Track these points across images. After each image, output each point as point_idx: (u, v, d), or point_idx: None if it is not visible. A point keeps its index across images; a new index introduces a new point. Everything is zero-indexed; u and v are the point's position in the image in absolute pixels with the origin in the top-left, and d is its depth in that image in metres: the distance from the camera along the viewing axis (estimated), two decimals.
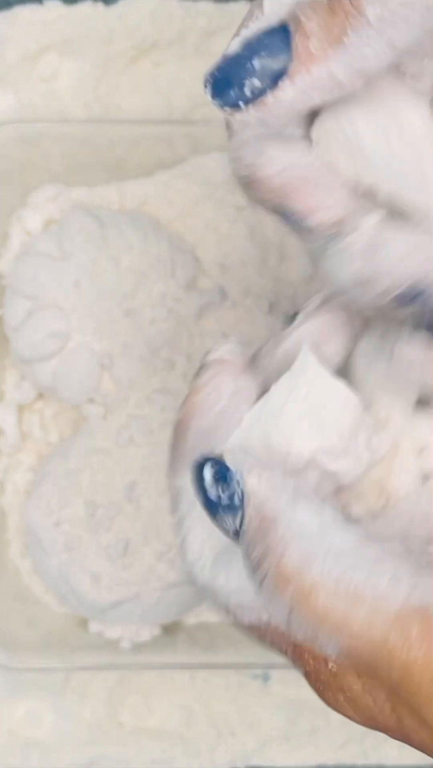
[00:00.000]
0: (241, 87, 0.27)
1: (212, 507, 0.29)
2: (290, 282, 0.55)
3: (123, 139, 0.53)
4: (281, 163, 0.28)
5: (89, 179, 0.55)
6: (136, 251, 0.52)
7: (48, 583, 0.53)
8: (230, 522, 0.28)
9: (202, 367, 0.32)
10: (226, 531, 0.29)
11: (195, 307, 0.52)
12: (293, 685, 0.58)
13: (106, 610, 0.51)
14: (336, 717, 0.58)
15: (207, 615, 0.56)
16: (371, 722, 0.28)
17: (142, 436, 0.51)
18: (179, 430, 0.32)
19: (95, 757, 0.58)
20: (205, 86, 0.28)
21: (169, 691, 0.58)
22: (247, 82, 0.27)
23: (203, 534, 0.31)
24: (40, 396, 0.56)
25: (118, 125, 0.54)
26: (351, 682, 0.28)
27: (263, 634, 0.30)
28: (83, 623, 0.55)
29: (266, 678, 0.58)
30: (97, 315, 0.51)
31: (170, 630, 0.55)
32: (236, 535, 0.28)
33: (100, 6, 0.57)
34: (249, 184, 0.29)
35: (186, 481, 0.31)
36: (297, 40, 0.26)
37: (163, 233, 0.53)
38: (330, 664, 0.28)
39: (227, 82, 0.27)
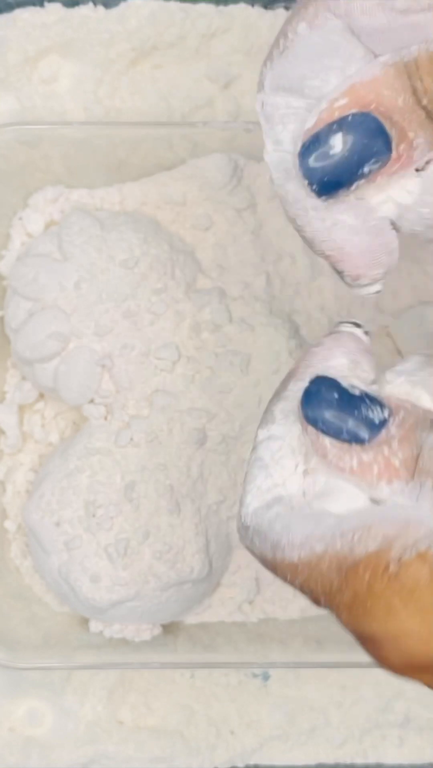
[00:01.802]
0: (349, 187, 0.30)
1: (355, 399, 0.31)
2: (289, 282, 0.55)
3: (123, 141, 0.53)
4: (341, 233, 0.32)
5: (90, 181, 0.55)
6: (137, 252, 0.52)
7: (48, 582, 0.54)
8: (376, 412, 0.30)
9: (331, 333, 0.34)
10: (363, 421, 0.30)
11: (195, 307, 0.53)
12: (293, 685, 0.58)
13: (106, 610, 0.51)
14: (335, 716, 0.58)
15: (207, 615, 0.56)
16: (426, 621, 0.29)
17: (142, 437, 0.51)
18: (285, 379, 0.34)
19: (95, 756, 0.58)
20: (311, 181, 0.31)
21: (169, 691, 0.58)
22: (355, 184, 0.30)
23: (265, 480, 0.32)
24: (41, 396, 0.56)
25: (118, 127, 0.54)
26: (418, 570, 0.29)
27: (311, 568, 0.31)
28: (83, 623, 0.55)
29: (265, 677, 0.58)
30: (98, 316, 0.51)
31: (170, 629, 0.55)
32: (381, 425, 0.30)
33: (101, 8, 0.57)
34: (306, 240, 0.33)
35: (275, 432, 0.33)
36: (402, 150, 0.30)
37: (163, 234, 0.54)
38: (391, 567, 0.29)
39: (337, 184, 0.30)
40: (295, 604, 0.56)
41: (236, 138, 0.53)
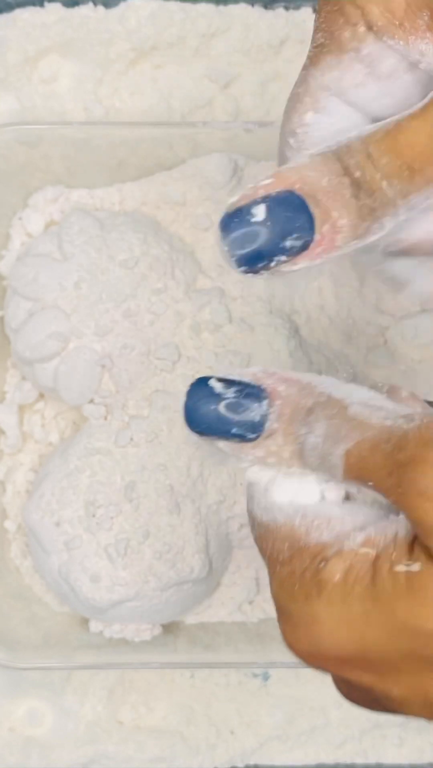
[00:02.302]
0: (269, 262, 0.31)
1: (232, 404, 0.32)
2: (289, 282, 0.55)
3: (123, 141, 0.53)
4: None
5: (89, 181, 0.55)
6: (136, 252, 0.52)
7: (48, 582, 0.54)
8: (254, 408, 0.32)
9: None
10: (245, 425, 0.32)
11: (195, 307, 0.53)
12: (293, 684, 0.58)
13: (106, 610, 0.51)
14: (335, 716, 0.58)
15: (207, 615, 0.56)
16: (333, 612, 0.30)
17: (142, 437, 0.51)
18: None
19: (95, 756, 0.58)
20: (231, 252, 0.32)
21: (169, 690, 0.58)
22: (276, 260, 0.31)
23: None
24: (41, 396, 0.56)
25: (118, 127, 0.55)
26: (334, 566, 0.30)
27: (269, 531, 0.32)
28: (84, 622, 0.55)
29: (265, 677, 0.58)
30: (98, 316, 0.51)
31: (170, 629, 0.55)
32: (262, 421, 0.31)
33: (101, 8, 0.57)
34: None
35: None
36: (325, 232, 0.31)
37: (162, 234, 0.54)
38: (324, 561, 0.30)
39: (258, 256, 0.31)
40: None
41: (236, 138, 0.53)
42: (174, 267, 0.53)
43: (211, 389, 0.32)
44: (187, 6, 0.57)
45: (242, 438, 0.32)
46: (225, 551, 0.54)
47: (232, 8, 0.57)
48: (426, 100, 0.31)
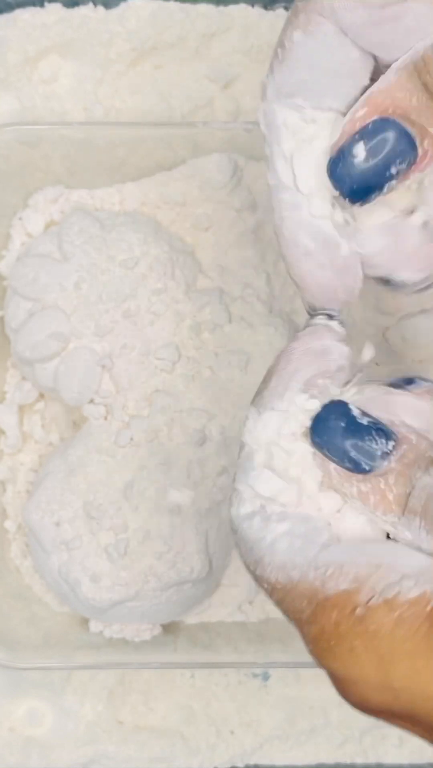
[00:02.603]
0: (382, 190, 0.32)
1: (361, 429, 0.32)
2: (289, 282, 0.55)
3: (123, 141, 0.53)
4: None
5: (90, 181, 0.55)
6: (136, 252, 0.52)
7: (48, 582, 0.54)
8: (380, 444, 0.31)
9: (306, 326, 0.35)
10: (365, 454, 0.31)
11: (195, 307, 0.53)
12: (293, 684, 0.58)
13: (106, 610, 0.51)
14: (336, 716, 0.58)
15: (207, 615, 0.56)
16: (382, 670, 0.29)
17: (142, 437, 0.51)
18: (266, 376, 0.34)
19: (95, 756, 0.58)
20: (343, 192, 0.32)
21: (169, 690, 0.58)
22: (387, 185, 0.32)
23: (264, 485, 0.33)
24: (41, 396, 0.56)
25: (118, 127, 0.55)
26: (382, 616, 0.29)
27: (286, 592, 0.31)
28: (84, 622, 0.55)
29: (265, 677, 0.58)
30: (98, 316, 0.51)
31: (170, 629, 0.55)
32: (383, 457, 0.31)
33: (101, 9, 0.57)
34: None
35: (256, 434, 0.34)
36: (427, 146, 0.31)
37: (162, 234, 0.54)
38: (358, 610, 0.29)
39: (368, 190, 0.32)
40: None
41: (236, 138, 0.53)
42: (174, 267, 0.53)
43: (348, 410, 0.32)
44: (188, 6, 0.57)
45: (356, 466, 0.31)
46: (225, 551, 0.54)
47: (232, 8, 0.57)
48: None
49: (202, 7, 0.57)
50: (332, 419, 0.32)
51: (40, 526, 0.52)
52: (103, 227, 0.53)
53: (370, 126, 0.31)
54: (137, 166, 0.55)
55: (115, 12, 0.57)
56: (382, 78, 0.32)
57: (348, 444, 0.32)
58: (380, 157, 0.31)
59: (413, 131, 0.31)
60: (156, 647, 0.54)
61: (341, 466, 0.32)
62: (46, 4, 0.57)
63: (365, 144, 0.31)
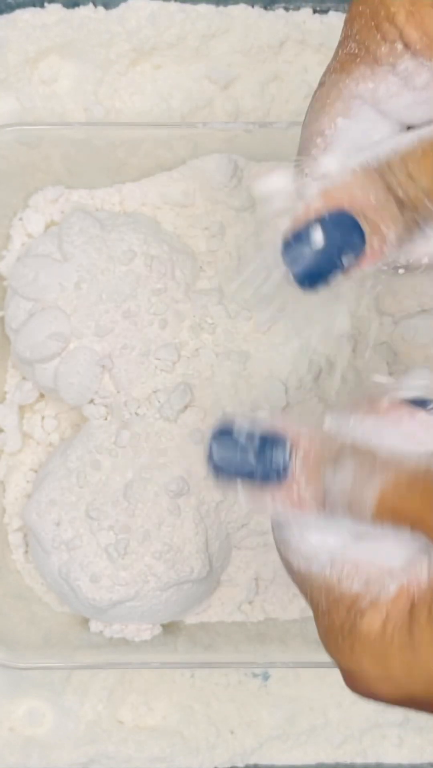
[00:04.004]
0: (328, 278, 0.33)
1: (255, 449, 0.33)
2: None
3: (123, 141, 0.53)
4: None
5: (90, 181, 0.55)
6: (136, 253, 0.52)
7: (48, 582, 0.54)
8: (276, 453, 0.32)
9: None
10: (270, 469, 0.32)
11: (195, 308, 0.53)
12: (293, 684, 0.58)
13: (106, 610, 0.52)
14: (335, 716, 0.58)
15: (207, 615, 0.56)
16: (380, 665, 0.31)
17: (142, 437, 0.51)
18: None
19: (95, 756, 0.58)
20: (293, 273, 0.33)
21: (169, 690, 0.58)
22: (332, 276, 0.33)
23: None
24: (41, 397, 0.56)
25: (118, 128, 0.55)
26: (371, 618, 0.30)
27: (305, 581, 0.32)
28: (84, 622, 0.55)
29: (265, 677, 0.58)
30: (98, 316, 0.51)
31: (170, 629, 0.55)
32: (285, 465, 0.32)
33: (101, 9, 0.57)
34: None
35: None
36: (375, 244, 0.33)
37: (162, 235, 0.54)
38: (358, 613, 0.31)
39: (318, 276, 0.33)
40: (295, 604, 0.56)
41: (236, 138, 0.53)
42: (174, 267, 0.53)
43: (235, 439, 0.33)
44: (187, 7, 0.57)
45: (265, 481, 0.32)
46: (225, 551, 0.54)
47: (232, 9, 0.57)
48: None
49: (202, 8, 0.57)
50: (222, 452, 0.33)
51: (40, 526, 0.52)
52: (103, 227, 0.53)
53: (327, 216, 0.33)
54: (137, 166, 0.55)
55: (115, 12, 0.57)
56: (335, 176, 0.33)
57: (249, 467, 0.33)
58: (334, 246, 0.33)
59: (365, 228, 0.32)
60: (156, 647, 0.54)
61: (252, 484, 0.33)
62: (46, 4, 0.57)
63: (322, 231, 0.32)
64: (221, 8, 0.57)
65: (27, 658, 0.52)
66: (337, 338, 0.55)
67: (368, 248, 0.33)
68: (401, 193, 0.32)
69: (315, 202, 0.33)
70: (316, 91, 0.35)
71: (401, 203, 0.32)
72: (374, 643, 0.30)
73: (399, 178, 0.32)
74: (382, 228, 0.33)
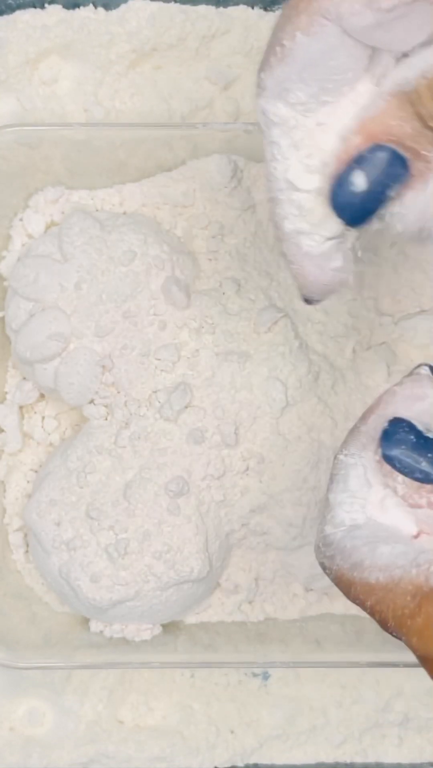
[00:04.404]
0: (378, 213, 0.34)
1: (427, 444, 0.34)
2: (289, 283, 0.55)
3: (123, 142, 0.53)
4: None
5: (90, 182, 0.56)
6: (136, 253, 0.52)
7: (49, 582, 0.54)
8: None
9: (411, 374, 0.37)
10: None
11: (195, 308, 0.53)
12: (293, 684, 0.58)
13: (106, 610, 0.52)
14: (335, 716, 0.58)
15: (207, 615, 0.56)
16: None
17: (142, 437, 0.51)
18: (364, 413, 0.36)
19: (95, 755, 0.58)
20: (344, 219, 0.34)
21: (169, 690, 0.58)
22: (382, 207, 0.34)
23: (359, 505, 0.35)
24: (42, 397, 0.56)
25: (118, 129, 0.55)
26: None
27: (388, 591, 0.33)
28: (84, 622, 0.55)
29: (265, 677, 0.58)
30: (98, 317, 0.52)
31: (170, 629, 0.55)
32: None
33: (101, 10, 0.57)
34: None
35: (351, 462, 0.36)
36: (420, 167, 0.33)
37: (162, 235, 0.54)
38: None
39: (367, 214, 0.34)
40: (295, 604, 0.56)
41: (236, 139, 0.53)
42: (174, 267, 0.53)
43: (414, 425, 0.34)
44: (188, 8, 0.57)
45: (426, 477, 0.33)
46: (225, 551, 0.54)
47: (232, 10, 0.57)
48: None
49: (202, 9, 0.57)
50: (401, 434, 0.34)
51: (40, 526, 0.52)
52: (103, 228, 0.53)
53: (366, 153, 0.33)
54: (137, 167, 0.55)
55: (115, 13, 0.57)
56: (370, 103, 0.33)
57: (417, 457, 0.33)
58: (378, 183, 0.33)
59: (407, 156, 0.33)
60: (156, 647, 0.54)
61: (411, 477, 0.34)
62: (46, 5, 0.57)
63: (363, 171, 0.33)
64: (221, 9, 0.57)
65: (27, 658, 0.52)
66: (335, 338, 0.55)
67: (413, 172, 0.33)
68: (432, 123, 0.32)
69: (353, 139, 0.33)
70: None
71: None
72: None
73: (430, 108, 0.32)
74: (422, 152, 0.33)
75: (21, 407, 0.56)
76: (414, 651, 0.33)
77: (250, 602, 0.56)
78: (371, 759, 0.58)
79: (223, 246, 0.55)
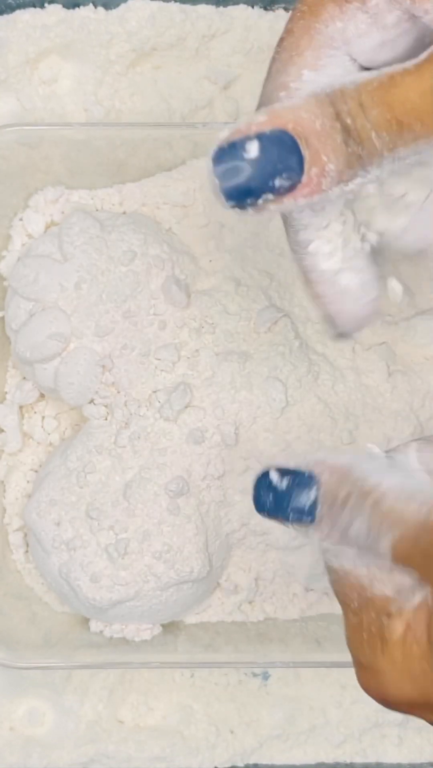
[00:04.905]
0: (257, 198, 0.31)
1: (284, 496, 0.34)
2: (289, 284, 0.55)
3: (123, 142, 0.53)
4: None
5: (90, 182, 0.56)
6: (136, 253, 0.52)
7: (48, 582, 0.54)
8: (304, 497, 0.34)
9: None
10: (299, 512, 0.34)
11: (195, 308, 0.53)
12: (293, 684, 0.58)
13: (106, 610, 0.52)
14: (335, 716, 0.58)
15: (207, 615, 0.56)
16: (398, 669, 0.33)
17: (142, 437, 0.51)
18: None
19: (96, 755, 0.58)
20: (222, 186, 0.31)
21: (169, 690, 0.58)
22: (263, 197, 0.31)
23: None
24: (42, 397, 0.56)
25: (118, 128, 0.55)
26: (394, 625, 0.32)
27: (340, 577, 0.34)
28: (84, 622, 0.55)
29: (265, 677, 0.58)
30: (98, 316, 0.52)
31: (170, 629, 0.55)
32: (312, 507, 0.33)
33: (101, 10, 0.57)
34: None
35: None
36: (313, 174, 0.31)
37: (162, 235, 0.54)
38: (385, 617, 0.33)
39: (247, 192, 0.31)
40: (295, 604, 0.56)
41: None
42: (174, 267, 0.53)
43: (270, 481, 0.35)
44: (187, 7, 0.57)
45: (299, 521, 0.34)
46: (225, 551, 0.54)
47: (232, 9, 0.57)
48: (422, 56, 0.31)
49: (202, 8, 0.57)
50: (262, 495, 0.35)
51: (40, 526, 0.52)
52: (103, 228, 0.53)
53: (267, 132, 0.31)
54: (137, 166, 0.55)
55: (115, 13, 0.57)
56: (288, 99, 0.32)
57: (282, 509, 0.34)
58: (269, 163, 0.31)
59: (306, 154, 0.31)
60: (156, 647, 0.54)
61: (290, 525, 0.34)
62: (46, 5, 0.57)
63: (259, 145, 0.31)
64: (221, 9, 0.57)
65: (27, 658, 0.53)
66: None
67: (305, 177, 0.31)
68: (349, 121, 0.31)
69: (258, 118, 0.31)
70: (283, 41, 0.33)
71: (347, 133, 0.31)
72: (394, 647, 0.32)
73: (350, 105, 0.31)
74: (322, 157, 0.31)
75: (21, 407, 0.56)
76: (347, 643, 0.34)
77: (250, 602, 0.56)
78: (371, 759, 0.58)
79: (223, 246, 0.55)
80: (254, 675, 0.58)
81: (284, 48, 0.33)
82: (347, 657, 0.52)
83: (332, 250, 0.35)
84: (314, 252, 0.35)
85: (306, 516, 0.33)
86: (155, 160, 0.55)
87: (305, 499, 0.34)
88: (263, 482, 0.35)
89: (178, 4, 0.57)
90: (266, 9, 0.57)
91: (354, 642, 0.33)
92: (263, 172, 0.31)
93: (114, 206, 0.56)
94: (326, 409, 0.53)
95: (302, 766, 0.58)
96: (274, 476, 0.35)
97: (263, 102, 0.34)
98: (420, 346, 0.55)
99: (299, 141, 0.31)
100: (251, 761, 0.58)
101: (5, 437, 0.56)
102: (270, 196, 0.31)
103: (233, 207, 0.32)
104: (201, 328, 0.52)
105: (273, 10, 0.57)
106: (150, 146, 0.54)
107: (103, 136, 0.53)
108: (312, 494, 0.33)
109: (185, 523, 0.51)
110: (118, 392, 0.52)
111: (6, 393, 0.57)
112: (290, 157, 0.31)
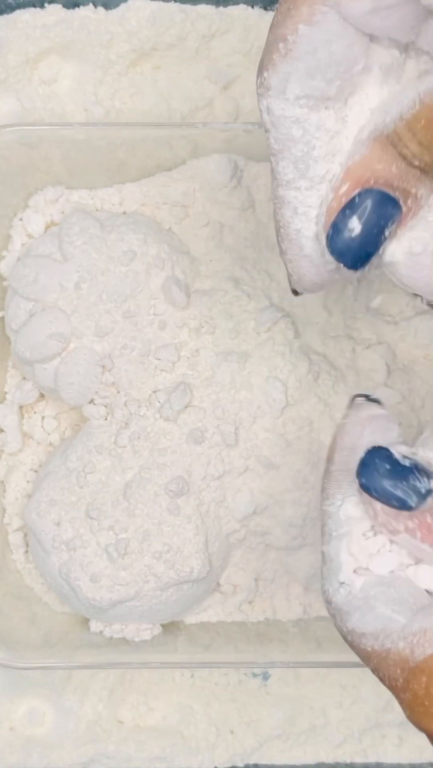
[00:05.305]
0: (378, 252, 0.35)
1: (404, 470, 0.34)
2: (288, 284, 0.55)
3: (123, 142, 0.53)
4: None
5: (90, 182, 0.56)
6: (136, 253, 0.52)
7: (48, 582, 0.54)
8: (423, 482, 0.34)
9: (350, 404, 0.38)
10: (409, 492, 0.34)
11: (195, 308, 0.53)
12: (293, 684, 0.58)
13: (106, 610, 0.52)
14: (335, 716, 0.58)
15: (207, 615, 0.56)
16: None
17: (142, 437, 0.51)
18: (328, 454, 0.37)
19: (95, 755, 0.58)
20: (346, 264, 0.34)
21: (169, 690, 0.58)
22: (382, 247, 0.34)
23: (352, 561, 0.35)
24: (42, 397, 0.56)
25: (118, 128, 0.55)
26: None
27: (380, 660, 0.33)
28: (84, 622, 0.55)
29: (265, 677, 0.58)
30: (98, 316, 0.52)
31: (170, 629, 0.55)
32: (426, 494, 0.33)
33: (101, 10, 0.57)
34: None
35: (335, 507, 0.36)
36: (410, 204, 0.34)
37: (162, 235, 0.54)
38: None
39: (367, 256, 0.34)
40: (295, 604, 0.56)
41: (236, 139, 0.53)
42: (174, 267, 0.53)
43: (390, 453, 0.35)
44: (187, 7, 0.57)
45: (402, 504, 0.34)
46: (225, 551, 0.54)
47: (232, 9, 0.57)
48: None
49: (202, 8, 0.57)
50: (377, 463, 0.34)
51: (40, 526, 0.52)
52: (103, 228, 0.53)
53: (356, 199, 0.33)
54: (137, 166, 0.55)
55: (115, 13, 0.57)
56: (352, 151, 0.34)
57: (393, 484, 0.34)
58: (373, 225, 0.34)
59: (396, 195, 0.33)
60: (156, 647, 0.54)
61: (388, 505, 0.34)
62: (46, 5, 0.57)
63: (357, 216, 0.33)
64: (221, 9, 0.57)
65: (27, 658, 0.52)
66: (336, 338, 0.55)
67: (404, 208, 0.34)
68: (417, 163, 0.33)
69: (341, 188, 0.34)
70: None
71: (421, 169, 0.33)
72: None
73: (411, 149, 0.33)
74: (411, 190, 0.34)
75: (21, 407, 0.56)
76: (410, 722, 0.33)
77: (250, 602, 0.56)
78: (371, 759, 0.58)
79: (223, 246, 0.55)
80: (254, 675, 0.58)
81: (282, 3, 0.34)
82: (347, 657, 0.52)
83: (306, 211, 0.36)
84: (291, 209, 0.36)
85: (417, 498, 0.33)
86: (155, 160, 0.55)
87: (423, 485, 0.34)
88: (381, 452, 0.35)
89: (178, 4, 0.57)
90: (266, 9, 0.57)
91: (419, 718, 0.32)
92: (373, 235, 0.34)
93: (114, 206, 0.56)
94: (326, 409, 0.53)
95: (302, 766, 0.58)
96: (397, 452, 0.35)
97: (264, 53, 0.35)
98: (420, 346, 0.55)
99: (386, 190, 0.33)
100: (251, 761, 0.58)
101: (5, 437, 0.56)
102: (386, 242, 0.34)
103: (363, 269, 0.35)
104: (201, 328, 0.52)
105: (273, 10, 0.57)
106: (150, 146, 0.54)
107: (103, 136, 0.53)
108: (431, 482, 0.34)
109: (185, 523, 0.51)
110: (118, 392, 0.52)
111: (6, 393, 0.57)
112: (387, 207, 0.33)
